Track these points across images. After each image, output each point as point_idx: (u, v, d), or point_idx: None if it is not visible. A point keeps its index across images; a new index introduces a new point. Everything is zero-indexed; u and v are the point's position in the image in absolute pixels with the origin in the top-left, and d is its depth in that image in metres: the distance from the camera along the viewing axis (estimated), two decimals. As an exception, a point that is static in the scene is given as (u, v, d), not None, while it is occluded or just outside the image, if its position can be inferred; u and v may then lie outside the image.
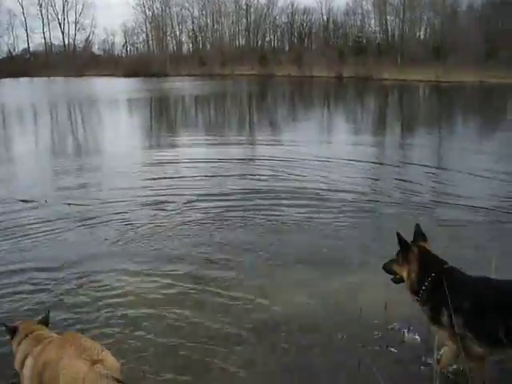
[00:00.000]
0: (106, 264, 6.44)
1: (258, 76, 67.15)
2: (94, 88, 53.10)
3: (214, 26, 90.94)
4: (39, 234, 7.57)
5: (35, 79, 71.66)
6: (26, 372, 3.37)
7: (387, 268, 4.08)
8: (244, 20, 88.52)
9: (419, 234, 3.97)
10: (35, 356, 3.32)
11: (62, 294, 5.65)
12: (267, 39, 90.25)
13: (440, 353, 3.91)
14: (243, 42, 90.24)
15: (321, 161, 13.06)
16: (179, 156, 14.52)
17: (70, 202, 9.26)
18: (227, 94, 42.42)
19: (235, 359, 4.40)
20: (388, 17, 72.36)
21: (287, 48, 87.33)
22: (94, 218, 8.36)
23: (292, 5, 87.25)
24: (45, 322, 3.80)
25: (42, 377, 3.17)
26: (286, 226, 7.85)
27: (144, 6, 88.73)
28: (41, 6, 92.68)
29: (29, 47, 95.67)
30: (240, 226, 7.85)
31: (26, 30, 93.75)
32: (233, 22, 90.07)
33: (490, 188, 10.14)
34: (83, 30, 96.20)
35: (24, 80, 70.43)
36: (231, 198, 9.53)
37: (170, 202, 9.18)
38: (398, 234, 3.89)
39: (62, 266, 6.38)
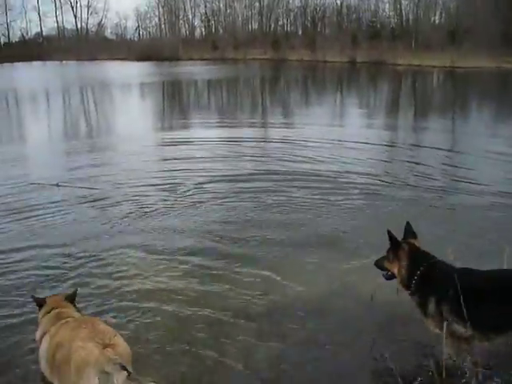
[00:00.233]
0: (116, 241, 6.51)
1: (271, 60, 66.64)
2: (107, 72, 53.07)
3: (226, 9, 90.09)
4: (49, 215, 7.60)
5: (48, 63, 71.77)
6: (42, 351, 3.47)
7: (379, 265, 4.17)
8: (257, 4, 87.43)
9: (409, 232, 4.08)
10: (51, 335, 3.40)
11: (70, 270, 5.72)
12: (280, 23, 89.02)
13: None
14: (256, 26, 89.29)
15: (333, 143, 13.00)
16: (191, 137, 14.50)
17: (81, 183, 9.31)
18: (240, 79, 42.19)
19: (247, 333, 4.44)
20: (402, 1, 71.07)
21: (300, 32, 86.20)
22: (106, 198, 8.41)
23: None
24: (71, 298, 3.89)
25: (54, 357, 3.25)
26: (299, 207, 7.82)
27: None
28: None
29: (42, 31, 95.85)
30: (252, 208, 7.84)
31: (39, 13, 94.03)
32: (245, 5, 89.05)
33: (504, 171, 10.03)
34: (96, 13, 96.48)
35: (37, 64, 70.56)
36: (243, 178, 9.54)
37: (180, 184, 9.18)
38: (389, 232, 3.99)
39: (71, 244, 6.44)
